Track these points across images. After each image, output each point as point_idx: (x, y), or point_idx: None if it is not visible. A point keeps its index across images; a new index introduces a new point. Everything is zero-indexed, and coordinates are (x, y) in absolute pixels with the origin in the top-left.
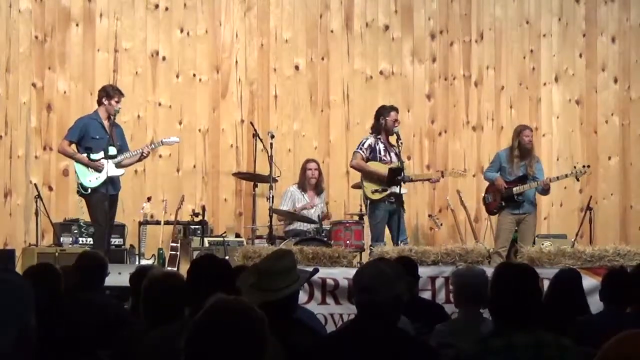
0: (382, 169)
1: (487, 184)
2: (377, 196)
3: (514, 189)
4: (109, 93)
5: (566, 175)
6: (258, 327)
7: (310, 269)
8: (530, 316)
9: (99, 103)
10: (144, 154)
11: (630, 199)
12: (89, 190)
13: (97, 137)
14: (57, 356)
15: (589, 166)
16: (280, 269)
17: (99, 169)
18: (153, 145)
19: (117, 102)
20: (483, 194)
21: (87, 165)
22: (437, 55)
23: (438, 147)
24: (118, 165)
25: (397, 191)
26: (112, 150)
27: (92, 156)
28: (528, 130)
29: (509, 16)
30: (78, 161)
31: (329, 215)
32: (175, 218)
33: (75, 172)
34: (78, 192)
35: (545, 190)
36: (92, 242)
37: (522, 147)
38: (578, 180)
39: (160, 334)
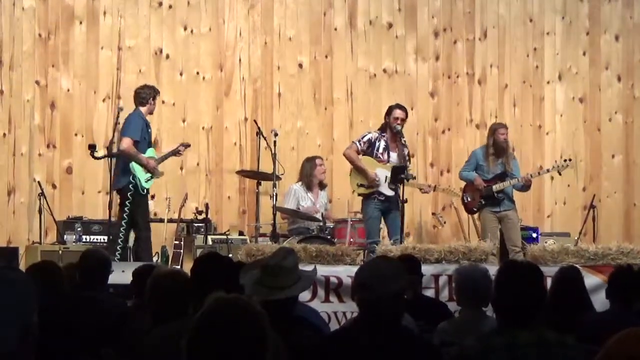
0: (371, 167)
1: None
2: (361, 190)
3: (494, 186)
4: (155, 94)
5: (548, 170)
6: (260, 324)
7: (311, 267)
8: (534, 314)
9: (144, 103)
10: (179, 150)
11: (634, 196)
12: (145, 191)
13: (145, 138)
14: (60, 354)
15: (570, 160)
16: (287, 266)
17: (154, 172)
18: (182, 147)
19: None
20: (461, 194)
21: (144, 167)
22: (441, 53)
23: (441, 145)
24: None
25: (385, 192)
26: (151, 152)
27: None
28: (503, 129)
29: (512, 14)
30: (138, 162)
31: (331, 217)
32: (178, 216)
33: (133, 171)
34: (129, 192)
35: (526, 187)
36: (105, 241)
37: (497, 145)
38: (560, 174)
39: (163, 332)
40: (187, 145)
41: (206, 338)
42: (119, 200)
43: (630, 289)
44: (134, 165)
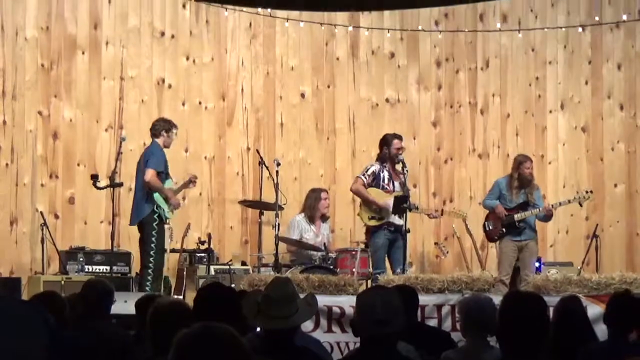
0: (380, 198)
1: None
2: (373, 223)
3: (516, 215)
4: (168, 127)
5: (569, 201)
6: (242, 353)
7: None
8: (538, 345)
9: (157, 135)
10: (192, 180)
11: (637, 226)
12: (167, 221)
13: (166, 170)
14: None
15: (592, 191)
16: (288, 295)
17: (176, 206)
18: (194, 178)
19: (175, 134)
20: (483, 222)
21: (167, 200)
22: (443, 82)
23: (444, 174)
24: None
25: (395, 221)
26: (169, 183)
27: None
28: (528, 162)
29: (514, 44)
30: (163, 194)
31: (332, 250)
32: (181, 246)
33: (156, 201)
34: (154, 222)
35: (547, 217)
36: (108, 271)
37: (523, 178)
38: (581, 205)
39: None
40: (195, 177)
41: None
42: (139, 230)
43: (627, 314)
44: (157, 196)
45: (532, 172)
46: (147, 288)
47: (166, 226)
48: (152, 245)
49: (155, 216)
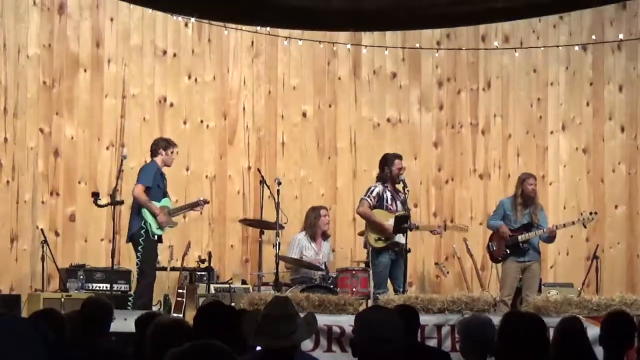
0: (386, 219)
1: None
2: (380, 244)
3: (519, 236)
4: (166, 145)
5: (573, 223)
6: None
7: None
8: None
9: (155, 154)
10: (200, 203)
11: (637, 247)
12: (156, 237)
13: (160, 186)
14: None
15: (596, 213)
16: (288, 314)
17: (166, 225)
18: (202, 202)
19: (175, 152)
20: (487, 242)
21: (155, 216)
22: (445, 103)
23: (445, 194)
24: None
25: (400, 241)
26: (166, 202)
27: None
28: (532, 179)
29: (516, 64)
30: (149, 210)
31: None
32: (181, 264)
33: (144, 217)
34: (141, 238)
35: (551, 238)
36: (108, 289)
37: (526, 195)
38: (585, 227)
39: None
40: (206, 202)
41: None
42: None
43: (622, 334)
44: (145, 211)
45: (536, 189)
46: (128, 305)
47: (166, 244)
48: (138, 260)
49: (142, 232)
